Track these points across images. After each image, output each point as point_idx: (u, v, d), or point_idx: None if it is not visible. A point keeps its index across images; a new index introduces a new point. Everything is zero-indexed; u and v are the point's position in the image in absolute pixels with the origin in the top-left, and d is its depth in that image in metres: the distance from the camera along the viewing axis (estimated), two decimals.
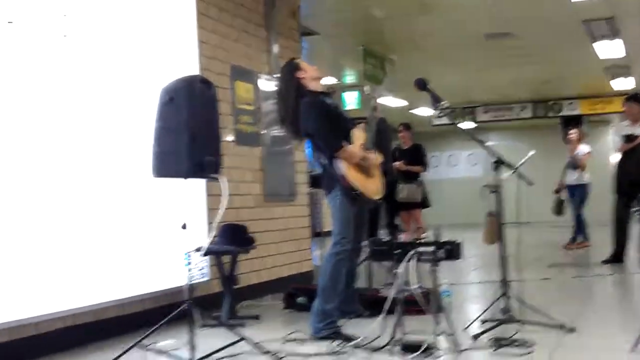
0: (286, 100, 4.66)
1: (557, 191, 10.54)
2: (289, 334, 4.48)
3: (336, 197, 4.51)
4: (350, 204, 4.50)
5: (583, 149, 10.51)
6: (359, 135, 4.67)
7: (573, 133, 10.64)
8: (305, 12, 8.08)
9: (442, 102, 4.57)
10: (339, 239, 4.49)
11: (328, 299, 4.44)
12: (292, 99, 4.61)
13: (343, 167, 4.44)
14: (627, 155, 8.10)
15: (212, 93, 4.01)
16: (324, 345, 4.15)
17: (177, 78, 3.93)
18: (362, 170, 4.53)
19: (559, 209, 10.49)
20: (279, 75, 4.90)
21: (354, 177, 4.46)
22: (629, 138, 8.04)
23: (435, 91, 4.59)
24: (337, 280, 4.48)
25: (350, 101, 12.90)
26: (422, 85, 4.58)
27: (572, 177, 10.36)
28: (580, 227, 10.47)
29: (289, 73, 4.70)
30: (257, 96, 6.82)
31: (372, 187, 4.61)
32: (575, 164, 10.34)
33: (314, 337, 4.39)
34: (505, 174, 4.76)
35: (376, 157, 4.72)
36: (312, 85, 4.65)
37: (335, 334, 4.34)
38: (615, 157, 8.52)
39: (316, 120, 4.56)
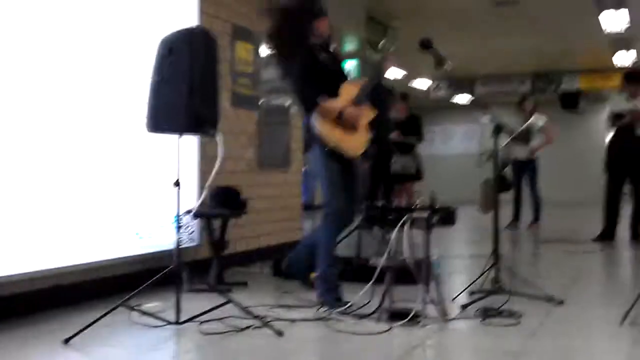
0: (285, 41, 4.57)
1: (503, 167, 9.35)
2: (282, 292, 4.55)
3: (316, 155, 4.43)
4: (331, 161, 4.39)
5: (539, 120, 9.77)
6: (349, 89, 4.50)
7: (528, 103, 10.10)
8: None
9: (447, 63, 4.48)
10: (328, 200, 4.43)
11: (328, 262, 4.40)
12: (292, 43, 4.53)
13: (318, 123, 4.34)
14: (617, 134, 8.05)
15: (213, 45, 3.89)
16: (310, 311, 4.13)
17: (177, 30, 3.82)
18: (342, 126, 4.38)
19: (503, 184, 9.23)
20: (293, 10, 4.62)
21: (330, 133, 4.34)
22: (617, 116, 7.97)
23: (439, 51, 4.49)
24: (331, 241, 4.44)
25: (350, 68, 12.81)
26: (426, 44, 4.48)
27: (524, 151, 9.72)
28: (537, 205, 10.03)
29: (309, 17, 4.52)
30: (256, 59, 6.72)
31: (351, 142, 4.42)
32: (529, 135, 9.70)
33: (318, 300, 4.37)
34: (504, 140, 4.73)
35: (365, 112, 4.50)
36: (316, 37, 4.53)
37: (335, 300, 4.30)
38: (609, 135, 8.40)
39: (298, 76, 4.46)
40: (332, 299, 4.29)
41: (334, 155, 4.38)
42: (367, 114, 4.53)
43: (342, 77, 4.66)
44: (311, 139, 4.47)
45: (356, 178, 4.70)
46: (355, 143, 4.45)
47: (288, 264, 5.00)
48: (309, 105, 4.40)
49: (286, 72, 4.65)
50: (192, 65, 3.66)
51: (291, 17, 4.55)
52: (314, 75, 4.45)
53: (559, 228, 10.32)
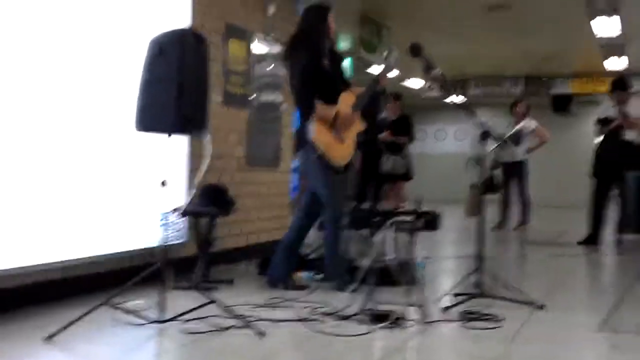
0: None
1: (494, 168, 9.65)
2: (270, 299, 4.54)
3: (308, 158, 4.74)
4: (327, 167, 4.70)
5: (531, 123, 10.12)
6: (347, 99, 4.78)
7: (521, 106, 10.26)
8: None
9: (436, 70, 4.55)
10: (330, 207, 4.75)
11: (337, 262, 4.84)
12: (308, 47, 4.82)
13: (312, 128, 4.62)
14: (605, 139, 8.15)
15: (204, 47, 3.91)
16: (293, 312, 4.16)
17: (168, 30, 3.84)
18: (333, 134, 4.68)
19: (492, 186, 9.26)
20: (308, 13, 5.05)
21: (321, 140, 4.64)
22: (603, 121, 8.07)
23: (429, 57, 4.57)
24: (338, 242, 4.82)
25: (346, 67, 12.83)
26: (416, 50, 4.53)
27: (515, 153, 9.81)
28: (526, 207, 10.16)
29: (321, 17, 4.90)
30: (249, 57, 6.74)
31: (338, 152, 4.73)
32: (520, 138, 9.91)
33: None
34: (491, 146, 4.80)
35: (356, 123, 4.83)
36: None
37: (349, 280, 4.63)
38: (597, 140, 8.51)
39: (300, 79, 4.75)
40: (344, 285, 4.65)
41: (323, 162, 4.67)
42: (356, 125, 4.86)
43: (341, 81, 4.93)
44: (303, 142, 4.71)
45: (345, 183, 4.95)
46: (342, 153, 4.77)
47: (269, 275, 5.11)
48: (307, 109, 4.69)
49: (292, 68, 4.90)
50: (181, 66, 3.68)
51: (310, 14, 4.98)
52: (315, 81, 4.72)
53: (546, 230, 10.38)
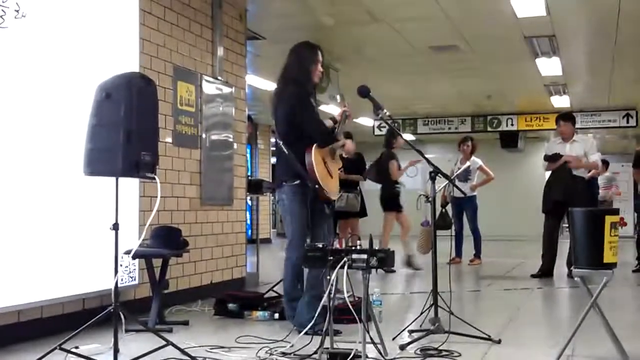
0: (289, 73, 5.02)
1: (444, 205, 9.84)
2: (238, 337, 4.48)
3: (284, 193, 4.84)
4: (302, 199, 4.77)
5: (477, 161, 10.42)
6: None
7: (469, 145, 10.51)
8: (253, 16, 8.04)
9: (384, 111, 4.67)
10: (290, 240, 4.87)
11: (290, 296, 4.91)
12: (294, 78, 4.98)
13: (312, 160, 4.73)
14: (552, 174, 8.34)
15: (152, 91, 3.92)
16: (251, 353, 4.11)
17: (115, 74, 3.83)
18: (326, 168, 4.89)
19: (445, 222, 9.39)
20: (300, 48, 5.12)
21: (319, 172, 4.76)
22: (551, 158, 8.27)
23: (377, 99, 4.69)
24: (288, 279, 4.91)
25: None
26: (364, 92, 4.66)
27: (464, 189, 9.30)
28: (477, 241, 10.37)
29: (314, 55, 5.03)
30: (199, 98, 6.74)
31: (332, 185, 4.95)
32: (467, 175, 10.23)
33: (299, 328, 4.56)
34: (441, 184, 4.86)
35: (337, 160, 5.13)
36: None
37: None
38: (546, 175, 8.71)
39: (308, 111, 4.87)
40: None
41: (312, 191, 4.75)
42: (339, 162, 5.21)
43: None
44: (287, 171, 4.83)
45: (327, 218, 5.02)
46: (334, 186, 5.00)
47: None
48: (326, 139, 4.87)
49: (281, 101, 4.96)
50: (129, 110, 3.67)
51: (300, 48, 5.11)
52: (316, 114, 4.93)
53: (499, 264, 10.51)
